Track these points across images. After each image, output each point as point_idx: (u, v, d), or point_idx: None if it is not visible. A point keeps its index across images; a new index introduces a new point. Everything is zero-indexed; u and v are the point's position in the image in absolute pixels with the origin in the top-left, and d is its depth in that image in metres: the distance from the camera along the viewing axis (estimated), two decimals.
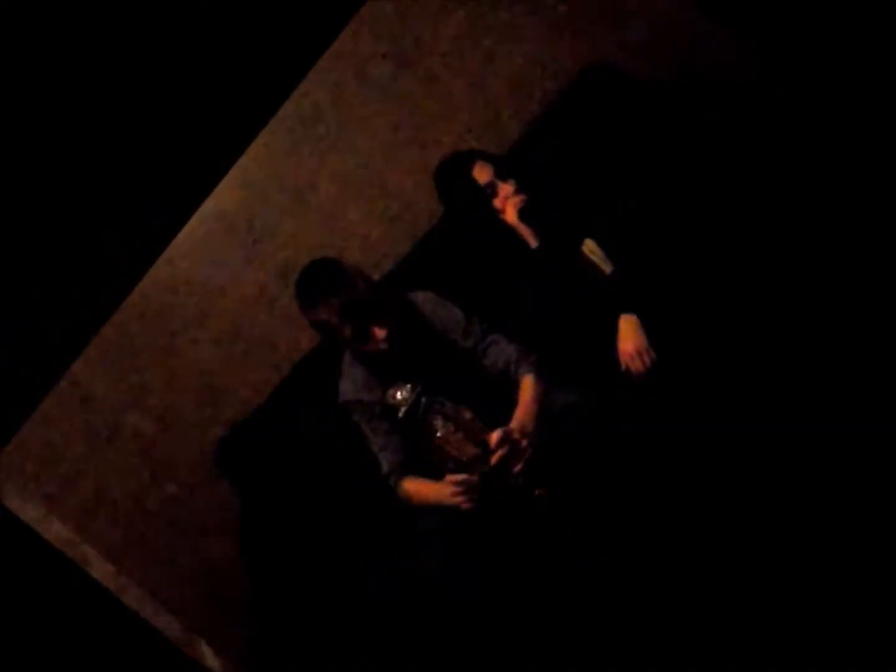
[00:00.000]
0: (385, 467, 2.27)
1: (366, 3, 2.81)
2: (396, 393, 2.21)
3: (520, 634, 2.10)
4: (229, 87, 2.77)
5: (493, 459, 2.06)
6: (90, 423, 2.85)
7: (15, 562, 2.82)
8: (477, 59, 2.82)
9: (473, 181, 2.44)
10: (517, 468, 2.08)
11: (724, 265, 2.30)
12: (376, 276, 2.70)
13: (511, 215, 2.44)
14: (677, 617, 2.05)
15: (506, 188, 2.44)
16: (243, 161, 2.82)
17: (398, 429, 2.25)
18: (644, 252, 2.32)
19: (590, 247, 2.41)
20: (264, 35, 2.77)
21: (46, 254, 2.79)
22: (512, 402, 2.23)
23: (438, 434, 2.12)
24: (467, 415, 2.15)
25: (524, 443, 2.09)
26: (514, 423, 2.15)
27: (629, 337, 2.28)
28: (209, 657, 2.88)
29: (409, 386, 2.20)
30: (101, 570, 2.87)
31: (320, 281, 2.26)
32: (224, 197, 2.83)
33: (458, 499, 2.05)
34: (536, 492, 2.07)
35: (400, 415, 2.21)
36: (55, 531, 2.87)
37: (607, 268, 2.39)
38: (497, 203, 2.45)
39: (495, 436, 2.07)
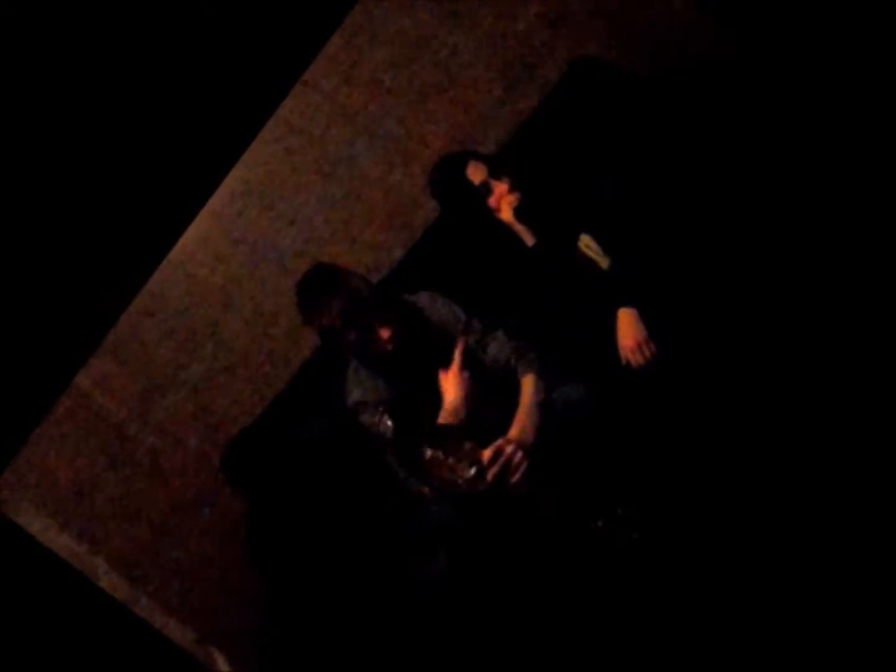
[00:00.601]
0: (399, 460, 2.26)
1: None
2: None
3: (520, 634, 2.12)
4: (229, 86, 2.77)
5: (489, 477, 2.05)
6: (98, 434, 2.87)
7: (24, 574, 2.83)
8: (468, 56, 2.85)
9: (468, 181, 2.44)
10: (515, 479, 2.07)
11: (720, 257, 2.31)
12: (375, 279, 2.71)
13: (507, 214, 2.44)
14: (679, 617, 2.06)
15: (500, 187, 2.44)
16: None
17: None
18: (640, 246, 2.33)
19: (586, 242, 2.42)
20: (263, 37, 2.78)
21: (46, 261, 2.81)
22: (514, 399, 2.24)
23: (427, 457, 2.10)
24: (454, 438, 2.12)
25: (518, 456, 2.08)
26: (513, 432, 2.14)
27: (629, 331, 2.28)
28: (222, 664, 2.89)
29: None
30: (110, 581, 2.88)
31: (320, 287, 2.26)
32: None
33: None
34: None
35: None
36: (63, 543, 2.88)
37: (604, 262, 2.40)
38: (492, 202, 2.45)
39: (487, 454, 2.06)
